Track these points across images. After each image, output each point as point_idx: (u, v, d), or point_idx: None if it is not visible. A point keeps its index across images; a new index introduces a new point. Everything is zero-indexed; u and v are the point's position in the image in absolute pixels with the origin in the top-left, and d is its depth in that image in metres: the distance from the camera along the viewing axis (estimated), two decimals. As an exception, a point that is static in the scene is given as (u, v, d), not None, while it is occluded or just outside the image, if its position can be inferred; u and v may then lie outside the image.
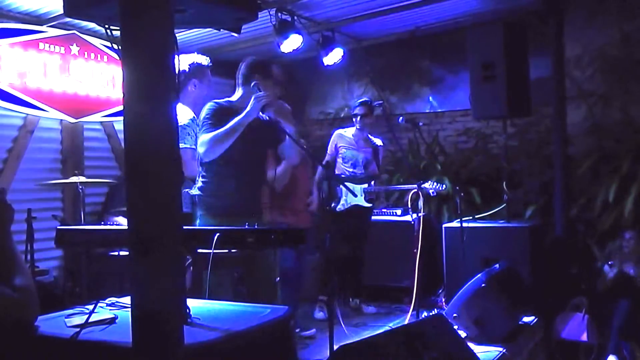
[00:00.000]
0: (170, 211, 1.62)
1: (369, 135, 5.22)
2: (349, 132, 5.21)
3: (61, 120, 5.44)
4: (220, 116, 3.24)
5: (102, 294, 2.63)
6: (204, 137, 3.19)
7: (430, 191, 4.77)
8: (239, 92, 3.42)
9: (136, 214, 1.62)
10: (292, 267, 4.34)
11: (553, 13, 5.59)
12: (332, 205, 5.17)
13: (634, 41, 5.69)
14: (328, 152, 5.19)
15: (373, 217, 5.67)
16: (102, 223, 4.79)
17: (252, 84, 3.33)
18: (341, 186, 4.65)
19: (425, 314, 4.39)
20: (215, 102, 3.33)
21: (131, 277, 1.62)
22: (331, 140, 5.22)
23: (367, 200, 5.16)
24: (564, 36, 5.61)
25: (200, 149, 3.21)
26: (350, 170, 5.10)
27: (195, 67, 3.70)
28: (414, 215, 4.32)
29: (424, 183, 4.78)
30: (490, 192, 5.82)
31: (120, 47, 1.68)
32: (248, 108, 3.19)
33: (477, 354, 3.31)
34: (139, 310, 1.60)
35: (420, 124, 5.01)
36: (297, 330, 4.37)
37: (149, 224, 1.60)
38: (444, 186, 4.97)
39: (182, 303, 1.91)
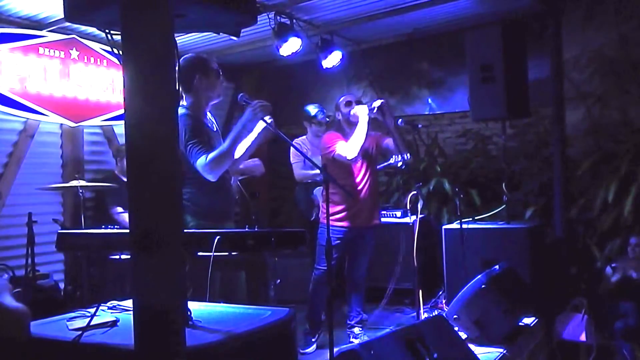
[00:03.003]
0: (172, 210, 1.63)
1: None
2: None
3: (61, 124, 5.46)
4: (199, 131, 3.15)
5: (103, 297, 2.65)
6: (205, 159, 3.04)
7: (399, 164, 4.59)
8: (188, 99, 3.24)
9: (138, 213, 1.63)
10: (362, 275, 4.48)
11: (551, 14, 5.61)
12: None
13: (631, 42, 5.70)
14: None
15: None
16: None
17: (239, 96, 3.28)
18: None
19: (425, 315, 4.39)
20: (188, 115, 3.18)
21: (133, 278, 1.63)
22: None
23: None
24: (562, 38, 5.62)
25: (205, 171, 3.05)
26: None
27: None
28: (413, 218, 4.32)
29: (388, 161, 4.72)
30: (490, 193, 5.83)
31: (120, 52, 1.69)
32: (243, 119, 3.07)
33: (477, 355, 3.32)
34: (141, 310, 1.61)
35: (420, 125, 5.01)
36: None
37: (151, 222, 1.61)
38: (408, 155, 4.83)
39: (184, 305, 1.92)
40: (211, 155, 3.03)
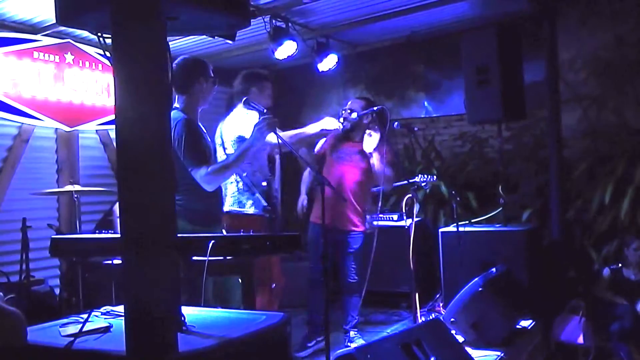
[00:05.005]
0: (164, 214, 1.61)
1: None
2: None
3: (56, 129, 5.44)
4: (195, 136, 3.18)
5: (98, 303, 2.62)
6: (205, 170, 3.06)
7: (423, 184, 4.77)
8: (182, 101, 3.27)
9: (129, 216, 1.61)
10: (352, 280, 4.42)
11: (546, 17, 5.62)
12: None
13: (627, 43, 5.71)
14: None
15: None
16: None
17: (244, 101, 3.41)
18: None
19: (422, 318, 4.38)
20: (187, 120, 3.19)
21: (124, 282, 1.62)
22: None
23: None
24: (558, 39, 5.63)
25: (204, 182, 3.07)
26: None
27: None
28: (409, 221, 4.32)
29: (413, 178, 4.77)
30: (487, 196, 5.82)
31: (112, 54, 1.68)
32: (252, 138, 3.11)
33: (475, 359, 3.30)
34: (132, 315, 1.59)
35: (416, 129, 5.02)
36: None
37: (143, 226, 1.59)
38: (434, 177, 4.98)
39: (176, 309, 1.90)
40: (212, 167, 3.08)
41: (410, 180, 4.72)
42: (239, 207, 3.99)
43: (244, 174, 3.97)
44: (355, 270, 4.42)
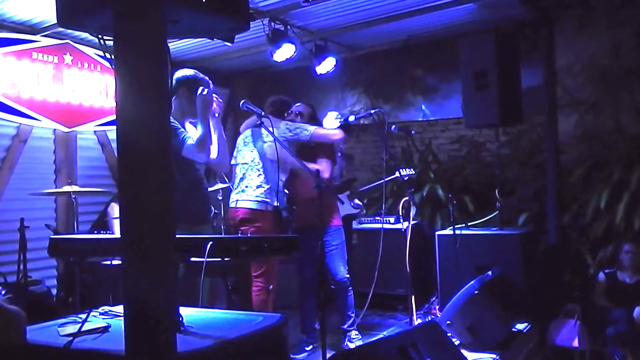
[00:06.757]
0: (164, 216, 1.62)
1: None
2: None
3: (54, 129, 5.44)
4: (179, 127, 3.38)
5: (96, 303, 2.63)
6: (192, 142, 3.32)
7: (405, 178, 4.78)
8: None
9: (129, 218, 1.62)
10: (337, 279, 4.38)
11: (544, 22, 5.65)
12: None
13: (623, 50, 5.74)
14: None
15: (367, 225, 5.70)
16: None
17: (242, 103, 3.64)
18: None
19: (418, 321, 4.39)
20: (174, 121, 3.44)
21: (124, 283, 1.63)
22: None
23: (354, 207, 5.19)
24: (555, 45, 5.66)
25: (196, 152, 3.33)
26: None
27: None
28: (406, 224, 4.33)
29: (397, 171, 4.78)
30: (483, 199, 5.84)
31: (113, 57, 1.69)
32: (198, 107, 3.34)
33: (470, 361, 3.32)
34: (132, 316, 1.60)
35: (413, 132, 5.03)
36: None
37: (142, 229, 1.60)
38: (413, 170, 5.02)
39: (175, 310, 1.91)
40: (196, 138, 3.31)
41: (392, 177, 4.73)
42: (265, 198, 4.01)
43: (282, 179, 4.09)
44: (344, 267, 4.39)
